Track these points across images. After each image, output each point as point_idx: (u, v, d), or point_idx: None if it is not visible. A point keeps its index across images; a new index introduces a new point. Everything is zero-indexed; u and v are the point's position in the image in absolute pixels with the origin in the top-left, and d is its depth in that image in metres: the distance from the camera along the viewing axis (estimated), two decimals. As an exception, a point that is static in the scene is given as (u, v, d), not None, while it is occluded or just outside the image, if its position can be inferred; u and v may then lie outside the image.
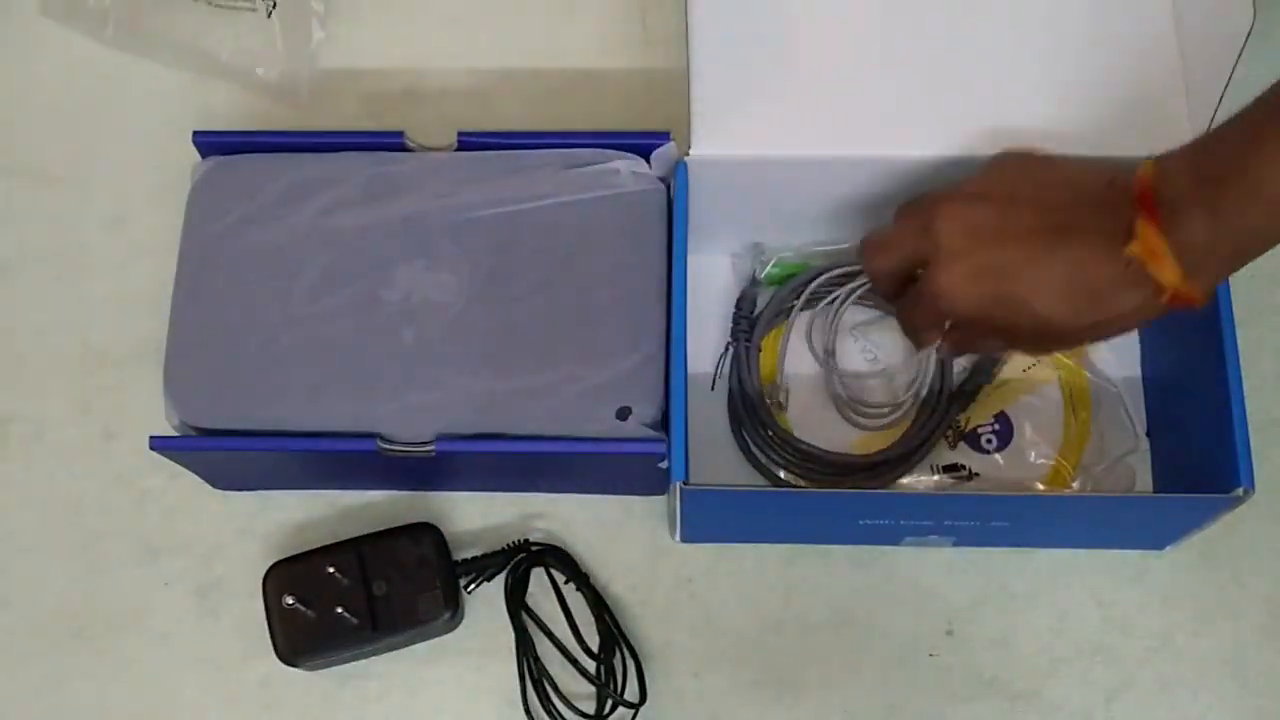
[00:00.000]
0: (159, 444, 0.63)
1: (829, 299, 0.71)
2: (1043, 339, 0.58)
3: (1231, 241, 0.51)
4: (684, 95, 0.63)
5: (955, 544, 0.69)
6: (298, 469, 0.69)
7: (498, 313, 0.65)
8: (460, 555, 0.68)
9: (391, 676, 0.68)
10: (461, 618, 0.68)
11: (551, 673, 0.66)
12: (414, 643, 0.67)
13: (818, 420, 0.70)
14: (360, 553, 0.65)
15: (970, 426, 0.70)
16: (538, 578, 0.68)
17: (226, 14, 0.78)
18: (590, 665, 0.66)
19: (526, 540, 0.68)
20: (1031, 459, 0.70)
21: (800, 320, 0.72)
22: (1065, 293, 0.54)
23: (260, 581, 0.65)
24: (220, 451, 0.65)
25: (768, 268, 0.71)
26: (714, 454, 0.70)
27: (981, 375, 0.71)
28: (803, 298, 0.71)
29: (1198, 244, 0.51)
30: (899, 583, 0.69)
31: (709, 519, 0.66)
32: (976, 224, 0.56)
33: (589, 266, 0.66)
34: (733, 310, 0.72)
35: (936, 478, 0.70)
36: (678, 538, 0.69)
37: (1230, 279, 0.61)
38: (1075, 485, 0.69)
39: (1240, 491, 0.58)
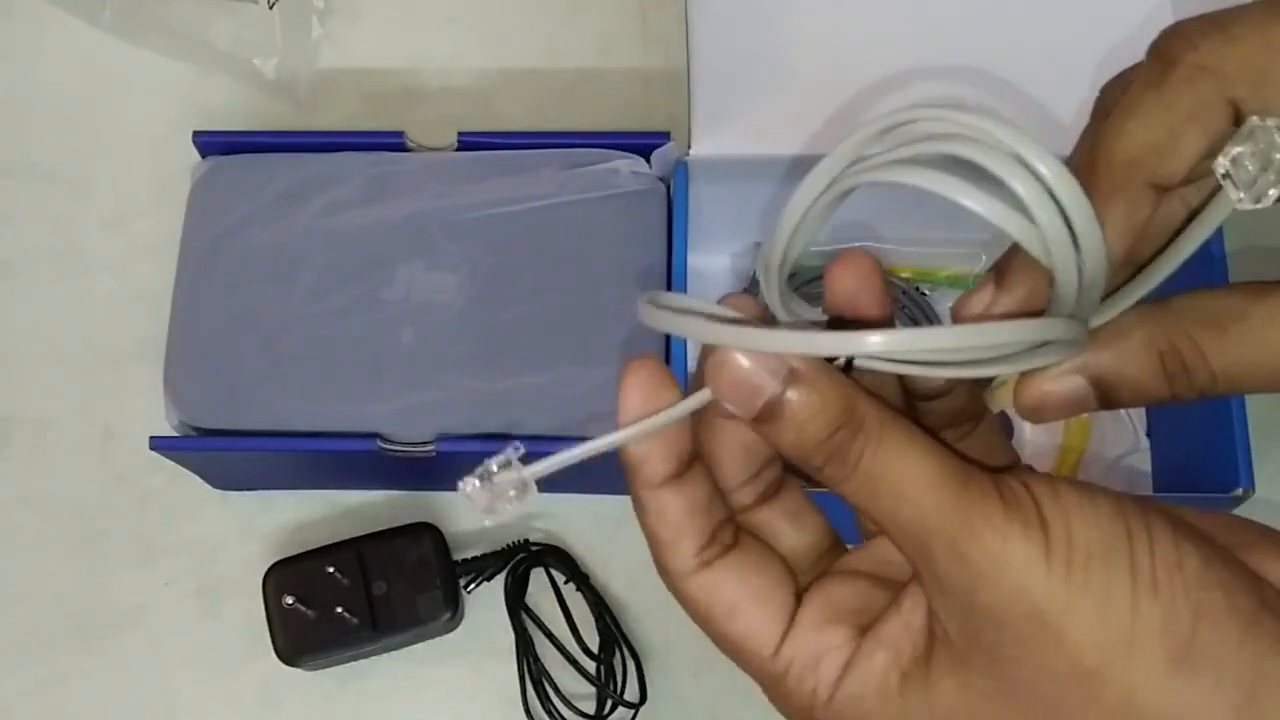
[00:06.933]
0: (159, 444, 0.63)
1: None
2: None
3: None
4: (684, 95, 0.63)
5: (955, 544, 0.69)
6: (298, 469, 0.69)
7: (498, 313, 0.65)
8: (460, 555, 0.68)
9: (391, 676, 0.68)
10: (461, 618, 0.68)
11: (551, 673, 0.66)
12: (414, 643, 0.67)
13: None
14: (360, 553, 0.65)
15: (970, 426, 0.70)
16: (537, 578, 0.68)
17: (226, 4, 0.78)
18: (590, 665, 0.66)
19: (526, 540, 0.68)
20: (1031, 459, 0.70)
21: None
22: None
23: (260, 581, 0.65)
24: (220, 451, 0.65)
25: (768, 267, 0.71)
26: (714, 454, 0.70)
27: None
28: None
29: None
30: (899, 582, 0.69)
31: (709, 519, 0.66)
32: None
33: (589, 266, 0.66)
34: (732, 310, 0.72)
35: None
36: (678, 538, 0.69)
37: (1229, 277, 0.62)
38: (1075, 485, 0.69)
39: (1240, 491, 0.58)
